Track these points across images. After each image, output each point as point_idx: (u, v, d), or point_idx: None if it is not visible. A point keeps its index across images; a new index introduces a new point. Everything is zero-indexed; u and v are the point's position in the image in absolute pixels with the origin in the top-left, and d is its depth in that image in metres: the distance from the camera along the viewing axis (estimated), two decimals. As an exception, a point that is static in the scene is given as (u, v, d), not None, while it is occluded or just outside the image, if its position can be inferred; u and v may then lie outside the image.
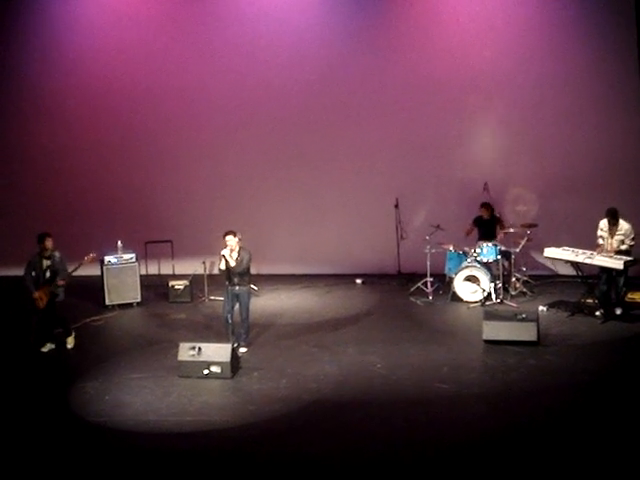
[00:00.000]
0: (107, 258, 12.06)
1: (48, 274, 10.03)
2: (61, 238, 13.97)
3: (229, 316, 9.62)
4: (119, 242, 11.65)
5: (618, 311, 10.40)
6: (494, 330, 9.48)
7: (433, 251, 12.07)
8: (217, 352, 8.79)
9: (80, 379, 8.87)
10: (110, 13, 14.38)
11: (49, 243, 10.05)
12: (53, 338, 10.23)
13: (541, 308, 10.92)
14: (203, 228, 13.77)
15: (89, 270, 10.87)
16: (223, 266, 9.58)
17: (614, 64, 12.47)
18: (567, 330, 10.04)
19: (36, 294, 9.96)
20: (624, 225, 10.35)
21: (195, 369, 8.72)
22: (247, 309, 9.73)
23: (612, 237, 10.36)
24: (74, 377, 8.95)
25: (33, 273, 10.05)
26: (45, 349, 10.11)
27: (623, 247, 10.29)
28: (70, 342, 10.34)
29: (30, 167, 14.90)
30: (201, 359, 8.73)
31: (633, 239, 10.31)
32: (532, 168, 12.97)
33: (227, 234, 9.62)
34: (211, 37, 14.11)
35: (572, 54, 12.68)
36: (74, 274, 10.22)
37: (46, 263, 10.05)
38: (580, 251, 10.46)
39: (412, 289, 12.39)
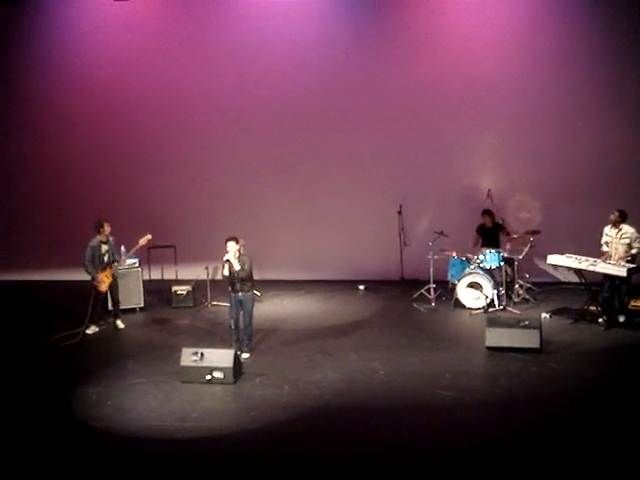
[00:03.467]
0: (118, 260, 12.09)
1: (106, 258, 10.94)
2: (64, 243, 14.16)
3: (233, 322, 9.64)
4: (122, 247, 11.66)
5: (621, 318, 10.40)
6: (497, 337, 9.47)
7: (436, 257, 12.08)
8: (220, 358, 8.78)
9: (83, 384, 8.86)
10: (113, 20, 14.43)
11: (108, 228, 10.94)
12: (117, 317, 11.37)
13: (544, 315, 10.91)
14: (206, 233, 13.79)
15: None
16: (227, 272, 9.58)
17: (617, 70, 12.50)
18: (570, 337, 10.03)
19: (99, 277, 10.84)
20: (629, 229, 10.34)
21: (198, 374, 8.71)
22: (251, 315, 9.74)
23: (618, 242, 10.34)
24: (76, 382, 8.94)
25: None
26: (122, 325, 11.31)
27: (634, 251, 10.27)
28: (121, 324, 11.31)
29: (33, 172, 14.96)
30: (204, 364, 8.73)
31: None
32: (535, 175, 12.98)
33: (228, 240, 9.60)
34: (216, 43, 14.15)
35: (575, 60, 12.71)
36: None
37: (104, 248, 10.92)
38: (583, 258, 10.46)
39: (415, 295, 12.39)
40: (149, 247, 13.65)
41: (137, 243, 11.26)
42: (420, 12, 13.36)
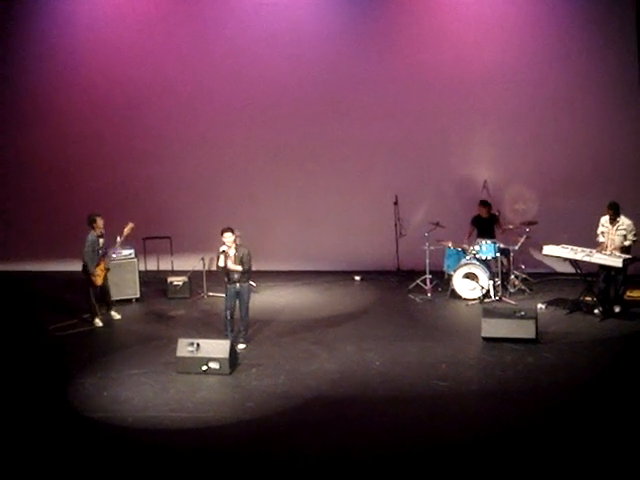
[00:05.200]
0: (109, 253, 12.06)
1: (101, 252, 10.91)
2: (60, 234, 14.14)
3: (229, 313, 9.63)
4: (118, 238, 11.65)
5: (617, 309, 10.43)
6: (493, 327, 9.48)
7: (432, 248, 12.08)
8: (216, 348, 8.78)
9: (79, 374, 8.86)
10: (108, 11, 14.33)
11: (101, 222, 10.91)
12: (110, 307, 11.39)
13: (540, 306, 10.92)
14: (202, 224, 13.77)
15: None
16: (222, 263, 9.56)
17: (614, 62, 12.47)
18: (566, 328, 10.05)
19: (97, 271, 10.86)
20: (625, 220, 10.34)
21: (194, 365, 8.72)
22: (247, 306, 9.72)
23: (614, 233, 10.35)
24: (73, 372, 8.94)
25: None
26: (117, 316, 11.35)
27: (627, 243, 10.27)
28: (116, 314, 11.34)
29: (29, 164, 14.90)
30: (200, 355, 8.73)
31: (636, 234, 10.30)
32: (531, 166, 12.97)
33: (225, 231, 9.58)
34: (213, 34, 14.08)
35: (571, 52, 12.67)
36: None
37: (101, 242, 10.91)
38: (579, 249, 10.45)
39: (411, 286, 12.40)
40: (145, 238, 13.69)
41: (122, 233, 11.19)
42: (417, 4, 13.32)
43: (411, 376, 8.53)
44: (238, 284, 9.60)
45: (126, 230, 11.15)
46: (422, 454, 6.71)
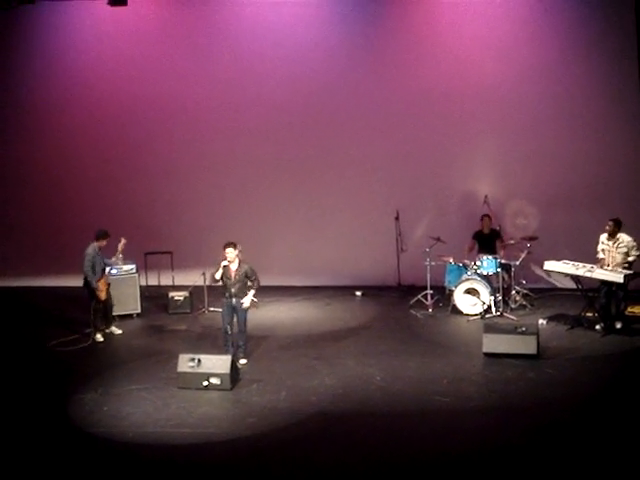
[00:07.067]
0: (107, 269, 12.06)
1: (101, 266, 11.00)
2: (61, 249, 14.15)
3: (228, 327, 9.62)
4: (119, 255, 11.68)
5: (618, 325, 10.40)
6: (494, 343, 9.47)
7: (433, 263, 12.08)
8: (217, 364, 8.77)
9: (79, 390, 8.85)
10: (109, 27, 14.39)
11: (105, 242, 11.03)
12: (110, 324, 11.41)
13: (541, 321, 10.91)
14: (203, 239, 13.77)
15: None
16: (218, 275, 9.53)
17: (615, 77, 12.52)
18: (567, 343, 10.03)
19: (100, 286, 10.93)
20: (625, 238, 10.34)
21: (194, 380, 8.71)
22: (245, 320, 9.71)
23: (614, 250, 10.34)
24: (73, 388, 8.93)
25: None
26: (118, 331, 11.41)
27: (630, 259, 10.26)
28: (117, 330, 11.40)
29: (30, 179, 14.92)
30: (200, 370, 8.72)
31: (638, 249, 10.30)
32: (532, 181, 12.99)
33: (227, 246, 9.60)
34: (213, 50, 14.13)
35: (572, 67, 12.73)
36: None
37: (99, 256, 10.98)
38: (580, 264, 10.45)
39: (412, 301, 12.39)
40: (146, 253, 13.70)
41: (118, 250, 11.29)
42: (418, 19, 13.38)
43: (412, 391, 8.52)
44: (234, 299, 9.60)
45: (120, 246, 11.24)
46: (423, 469, 6.69)
